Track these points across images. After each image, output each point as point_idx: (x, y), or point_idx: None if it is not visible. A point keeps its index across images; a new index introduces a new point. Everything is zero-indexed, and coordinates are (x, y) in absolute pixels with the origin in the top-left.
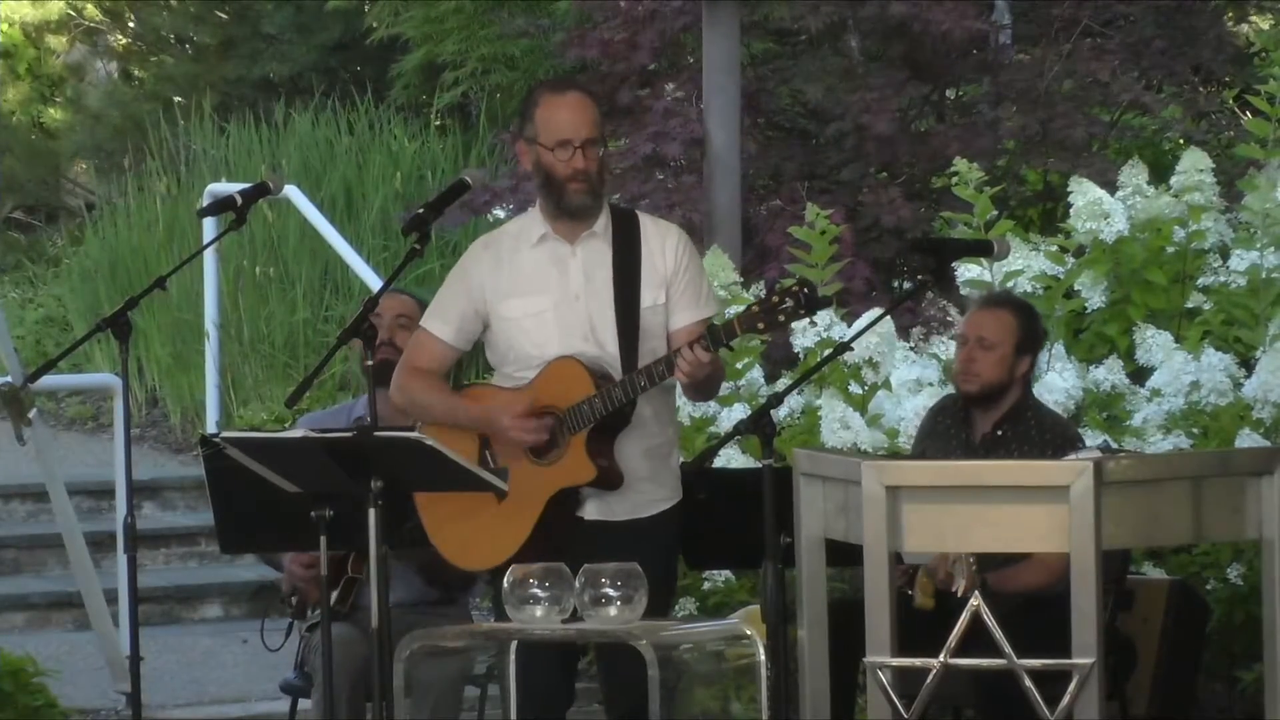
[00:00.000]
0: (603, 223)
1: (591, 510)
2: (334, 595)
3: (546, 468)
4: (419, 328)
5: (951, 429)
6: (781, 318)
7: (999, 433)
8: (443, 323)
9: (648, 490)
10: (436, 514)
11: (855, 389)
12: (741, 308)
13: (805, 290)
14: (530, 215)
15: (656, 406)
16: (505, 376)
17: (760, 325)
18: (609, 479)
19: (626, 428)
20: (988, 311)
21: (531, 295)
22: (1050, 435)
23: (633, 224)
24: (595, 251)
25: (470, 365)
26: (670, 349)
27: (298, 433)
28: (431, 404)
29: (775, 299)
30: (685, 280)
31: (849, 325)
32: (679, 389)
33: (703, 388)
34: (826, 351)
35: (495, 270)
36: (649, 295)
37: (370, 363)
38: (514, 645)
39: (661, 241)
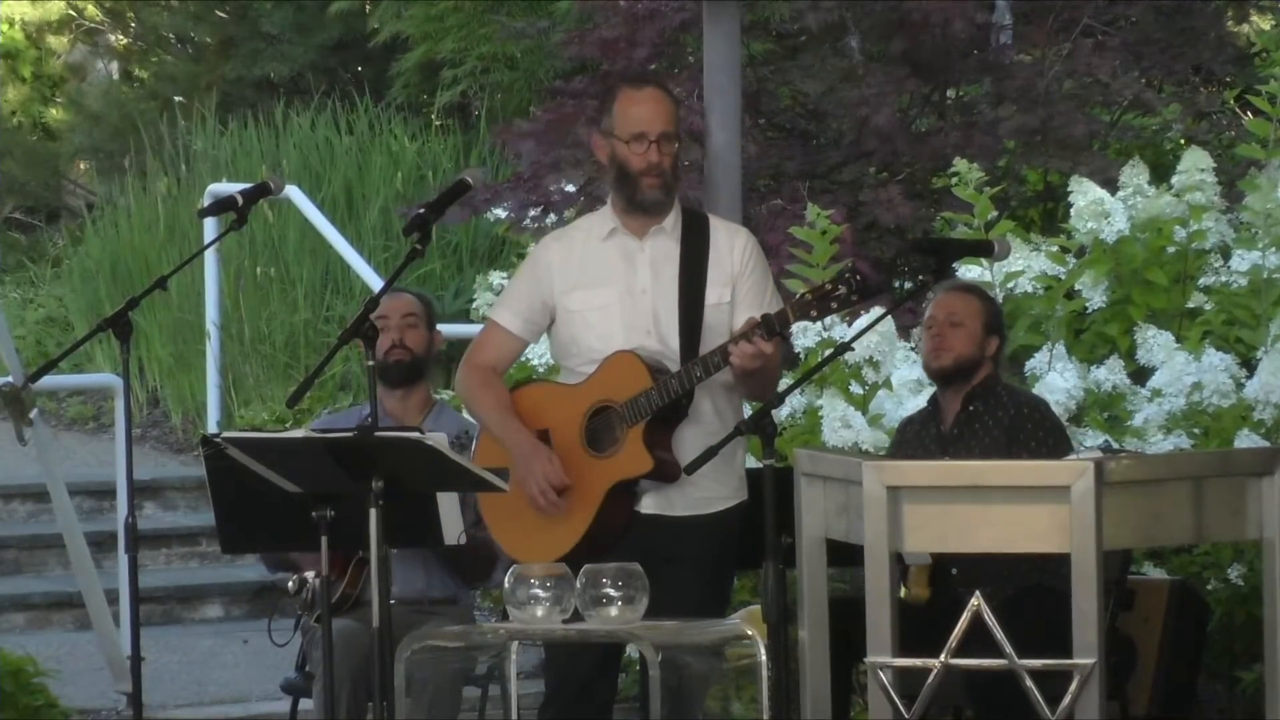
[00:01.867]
0: (672, 220)
1: (649, 504)
2: (344, 580)
3: (604, 460)
4: (487, 319)
5: (922, 431)
6: (834, 304)
7: (971, 408)
8: (511, 314)
9: (708, 487)
10: (497, 508)
11: (856, 389)
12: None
13: (858, 277)
14: (602, 210)
15: (719, 403)
16: (569, 372)
17: (813, 313)
18: (666, 471)
19: (685, 422)
20: (953, 294)
21: (597, 288)
22: (1024, 400)
23: (702, 223)
24: (663, 248)
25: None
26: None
27: (298, 433)
28: (486, 412)
29: (828, 286)
30: (751, 280)
31: (849, 325)
32: None
33: (757, 382)
34: (827, 351)
35: (564, 263)
36: (714, 293)
37: (371, 363)
38: (514, 646)
39: (730, 241)
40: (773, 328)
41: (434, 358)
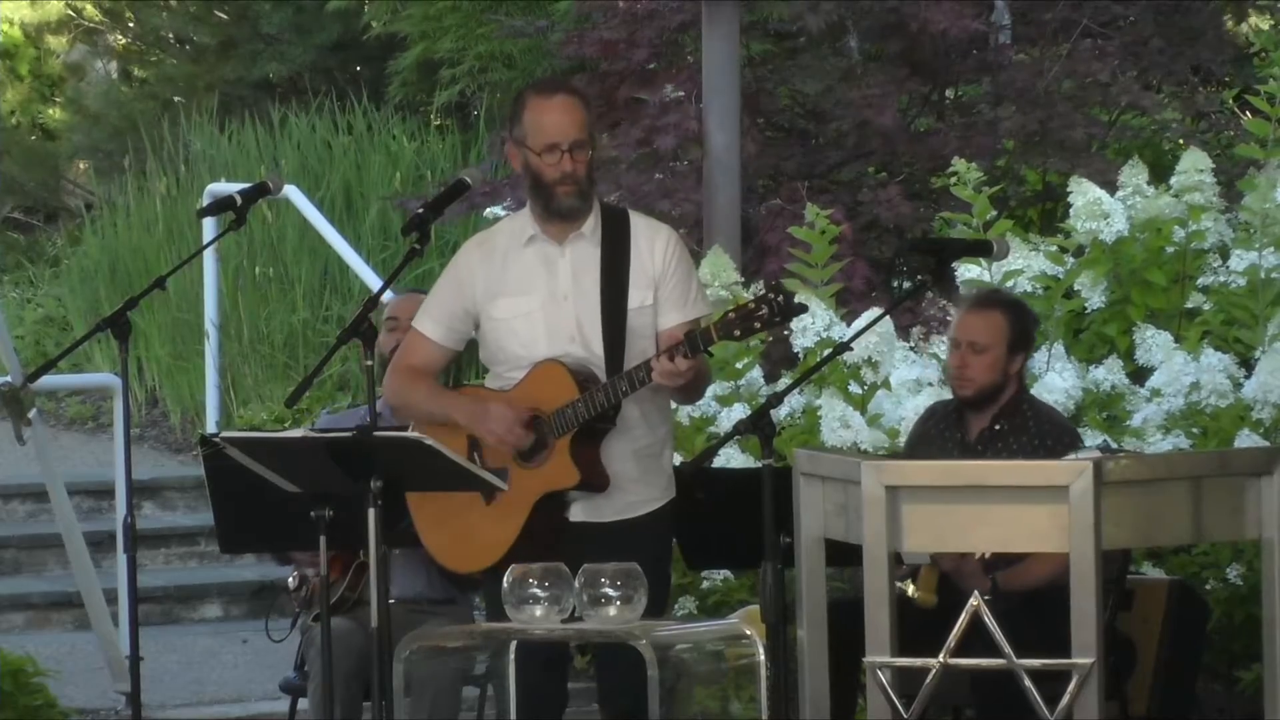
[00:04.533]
0: (592, 223)
1: (579, 512)
2: (344, 582)
3: (532, 470)
4: (411, 327)
5: (945, 431)
6: (757, 324)
7: (996, 427)
8: (433, 323)
9: (638, 491)
10: (426, 517)
11: (855, 389)
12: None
13: (780, 298)
14: (521, 216)
15: (645, 408)
16: (496, 376)
17: (736, 333)
18: (593, 482)
19: (613, 430)
20: (977, 314)
21: (520, 296)
22: (1048, 427)
23: (623, 223)
24: (584, 252)
25: (470, 364)
26: (659, 349)
27: (298, 433)
28: (420, 402)
29: (751, 306)
30: (674, 281)
31: (849, 325)
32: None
33: (685, 392)
34: (826, 351)
35: (486, 270)
36: (637, 296)
37: (370, 363)
38: (513, 646)
39: (651, 241)
40: (696, 346)
41: None
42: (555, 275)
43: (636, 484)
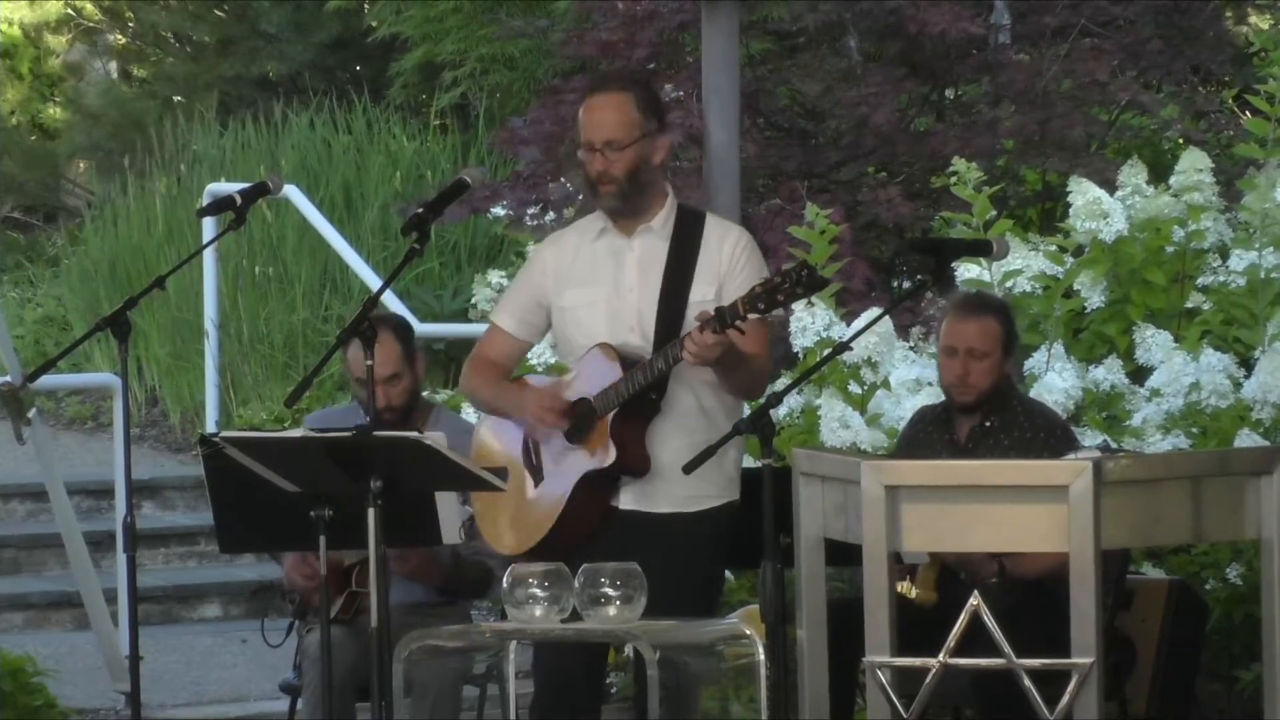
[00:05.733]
0: (662, 218)
1: (629, 500)
2: (337, 605)
3: (575, 451)
4: (489, 321)
5: (933, 434)
6: (782, 297)
7: (986, 424)
8: (507, 315)
9: (692, 485)
10: (481, 501)
11: (855, 389)
12: None
13: (805, 272)
14: (596, 211)
15: (705, 401)
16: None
17: (762, 306)
18: (632, 463)
19: (666, 417)
20: (972, 321)
21: (587, 287)
22: (1040, 421)
23: (696, 222)
24: (652, 246)
25: None
26: None
27: (297, 433)
28: (484, 394)
29: (777, 279)
30: (741, 278)
31: (848, 325)
32: None
33: (734, 376)
34: (826, 351)
35: (558, 263)
36: (700, 290)
37: (370, 362)
38: (513, 645)
39: (721, 240)
40: (724, 320)
41: (421, 384)
42: (622, 267)
43: (691, 478)
